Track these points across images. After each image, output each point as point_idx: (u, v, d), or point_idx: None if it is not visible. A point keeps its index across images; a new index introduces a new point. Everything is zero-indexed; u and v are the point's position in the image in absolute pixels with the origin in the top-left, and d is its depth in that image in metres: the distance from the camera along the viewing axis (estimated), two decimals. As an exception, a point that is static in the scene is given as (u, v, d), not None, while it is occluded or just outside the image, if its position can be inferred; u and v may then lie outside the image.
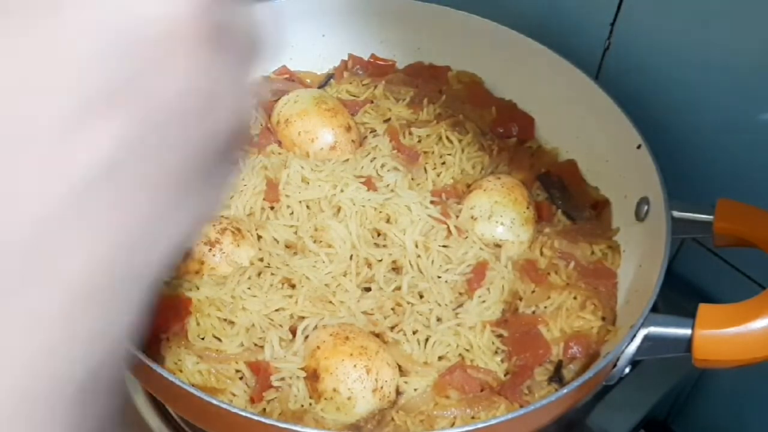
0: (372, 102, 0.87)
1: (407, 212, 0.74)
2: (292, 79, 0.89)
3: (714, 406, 0.90)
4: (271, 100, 0.84)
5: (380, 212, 0.74)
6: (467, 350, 0.66)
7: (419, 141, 0.83)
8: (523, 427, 0.60)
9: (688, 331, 0.59)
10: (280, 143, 0.81)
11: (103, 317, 0.24)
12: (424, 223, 0.73)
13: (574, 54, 0.79)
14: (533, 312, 0.70)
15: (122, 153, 0.23)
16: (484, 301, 0.69)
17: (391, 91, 0.88)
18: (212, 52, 0.25)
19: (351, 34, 0.91)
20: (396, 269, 0.71)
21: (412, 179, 0.78)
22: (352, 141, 0.81)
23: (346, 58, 0.92)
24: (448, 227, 0.73)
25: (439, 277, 0.70)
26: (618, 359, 0.61)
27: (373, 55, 0.92)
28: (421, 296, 0.69)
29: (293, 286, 0.68)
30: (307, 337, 0.65)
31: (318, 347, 0.63)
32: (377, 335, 0.65)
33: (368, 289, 0.69)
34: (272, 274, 0.68)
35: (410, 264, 0.70)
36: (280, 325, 0.65)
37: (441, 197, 0.76)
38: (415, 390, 0.64)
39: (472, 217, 0.74)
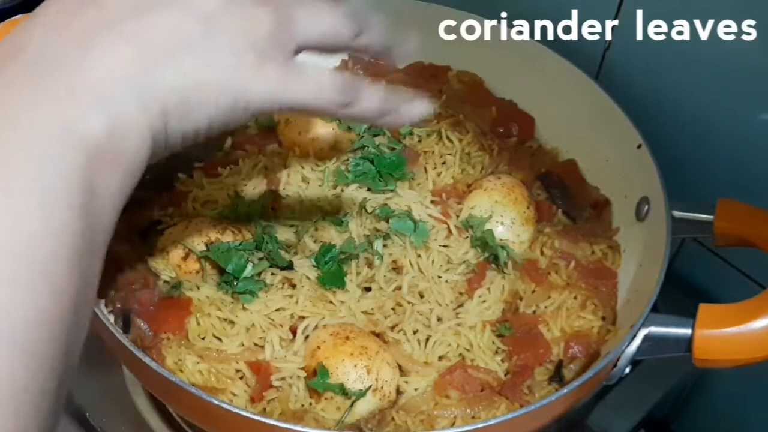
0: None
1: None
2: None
3: (714, 406, 0.90)
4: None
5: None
6: (467, 350, 0.66)
7: (419, 141, 0.83)
8: (523, 427, 0.60)
9: (688, 331, 0.59)
10: (280, 143, 0.81)
11: None
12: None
13: (574, 54, 0.79)
14: (533, 312, 0.70)
15: None
16: (484, 301, 0.69)
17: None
18: None
19: (351, 34, 0.91)
20: (396, 269, 0.71)
21: (413, 179, 0.78)
22: (352, 141, 0.81)
23: (346, 58, 0.91)
24: (449, 227, 0.73)
25: (440, 276, 0.70)
26: (618, 359, 0.61)
27: (373, 56, 0.92)
28: (422, 296, 0.69)
29: (293, 286, 0.68)
30: (307, 336, 0.65)
31: (318, 347, 0.63)
32: (377, 335, 0.65)
33: (368, 289, 0.69)
34: (272, 273, 0.68)
35: (410, 264, 0.70)
36: (281, 325, 0.65)
37: (441, 197, 0.76)
38: (416, 390, 0.64)
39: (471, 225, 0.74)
